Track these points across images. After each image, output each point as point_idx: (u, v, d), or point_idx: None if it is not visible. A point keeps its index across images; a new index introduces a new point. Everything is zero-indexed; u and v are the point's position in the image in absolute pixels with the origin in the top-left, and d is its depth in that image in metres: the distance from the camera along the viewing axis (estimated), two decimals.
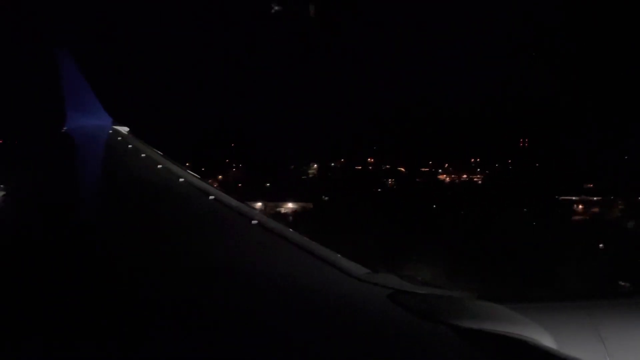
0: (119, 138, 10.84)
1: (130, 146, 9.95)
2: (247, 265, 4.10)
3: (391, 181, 63.11)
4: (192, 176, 7.63)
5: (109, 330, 2.86)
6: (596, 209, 55.89)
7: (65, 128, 11.41)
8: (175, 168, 8.08)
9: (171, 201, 6.43)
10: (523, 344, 2.82)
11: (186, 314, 3.07)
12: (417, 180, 64.00)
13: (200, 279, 3.73)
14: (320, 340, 2.80)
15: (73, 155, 10.23)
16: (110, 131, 11.37)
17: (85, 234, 4.76)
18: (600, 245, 41.60)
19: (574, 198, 56.37)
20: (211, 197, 6.17)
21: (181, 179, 7.17)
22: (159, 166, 8.10)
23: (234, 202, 6.12)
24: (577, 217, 55.06)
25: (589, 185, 58.34)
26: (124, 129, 11.62)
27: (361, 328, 2.99)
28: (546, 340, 2.97)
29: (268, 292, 3.48)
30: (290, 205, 52.49)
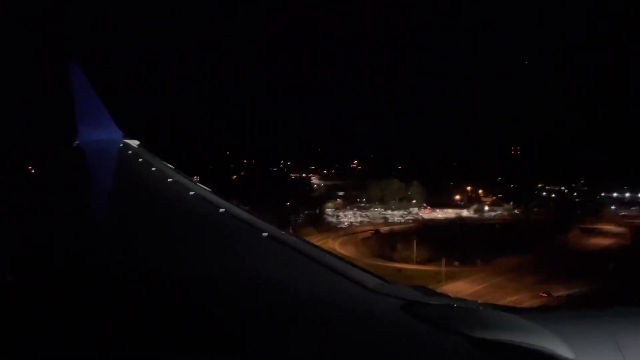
0: (130, 152, 10.91)
1: (140, 160, 10.00)
2: (259, 277, 4.09)
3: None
4: (202, 189, 7.65)
5: (119, 341, 2.86)
6: None
7: (76, 142, 11.51)
8: (186, 181, 8.11)
9: (182, 214, 6.45)
10: (539, 354, 2.78)
11: (198, 327, 3.07)
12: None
13: (212, 292, 3.73)
14: (333, 352, 2.78)
15: (84, 169, 10.31)
16: (121, 145, 11.46)
17: (96, 248, 4.78)
18: None
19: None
20: (222, 210, 6.17)
21: (192, 192, 7.19)
22: (170, 180, 8.13)
23: (245, 215, 6.12)
24: None
25: None
26: (135, 143, 11.71)
27: (375, 339, 2.96)
28: (563, 351, 2.92)
29: (280, 304, 3.47)
30: None
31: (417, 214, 70.78)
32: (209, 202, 6.79)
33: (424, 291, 3.95)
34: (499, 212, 72.98)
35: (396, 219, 70.51)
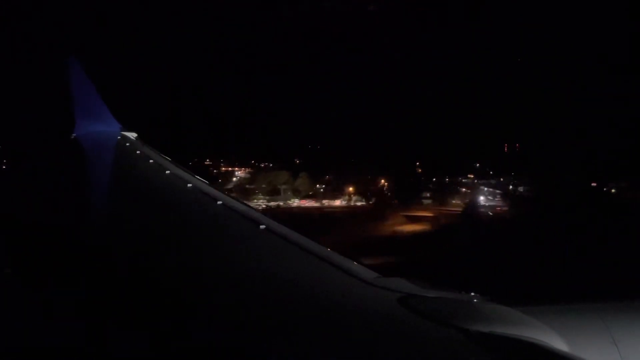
0: (127, 144, 10.89)
1: (138, 152, 9.98)
2: (256, 270, 4.10)
3: None
4: (200, 181, 7.65)
5: (118, 334, 2.87)
6: None
7: (74, 134, 11.48)
8: (183, 174, 8.10)
9: (180, 207, 6.45)
10: (534, 347, 2.80)
11: (196, 320, 3.08)
12: None
13: (210, 284, 3.74)
14: (331, 345, 2.79)
15: (82, 162, 10.29)
16: (119, 137, 11.43)
17: (93, 240, 4.79)
18: None
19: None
20: (219, 203, 6.17)
21: (189, 185, 7.19)
22: (167, 172, 8.12)
23: (242, 207, 6.12)
24: None
25: None
26: (132, 135, 11.69)
27: (372, 332, 2.98)
28: (558, 343, 2.95)
29: (278, 297, 3.48)
30: None
31: (290, 204, 71.70)
32: (207, 194, 6.79)
33: (421, 284, 3.97)
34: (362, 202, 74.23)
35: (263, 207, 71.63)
